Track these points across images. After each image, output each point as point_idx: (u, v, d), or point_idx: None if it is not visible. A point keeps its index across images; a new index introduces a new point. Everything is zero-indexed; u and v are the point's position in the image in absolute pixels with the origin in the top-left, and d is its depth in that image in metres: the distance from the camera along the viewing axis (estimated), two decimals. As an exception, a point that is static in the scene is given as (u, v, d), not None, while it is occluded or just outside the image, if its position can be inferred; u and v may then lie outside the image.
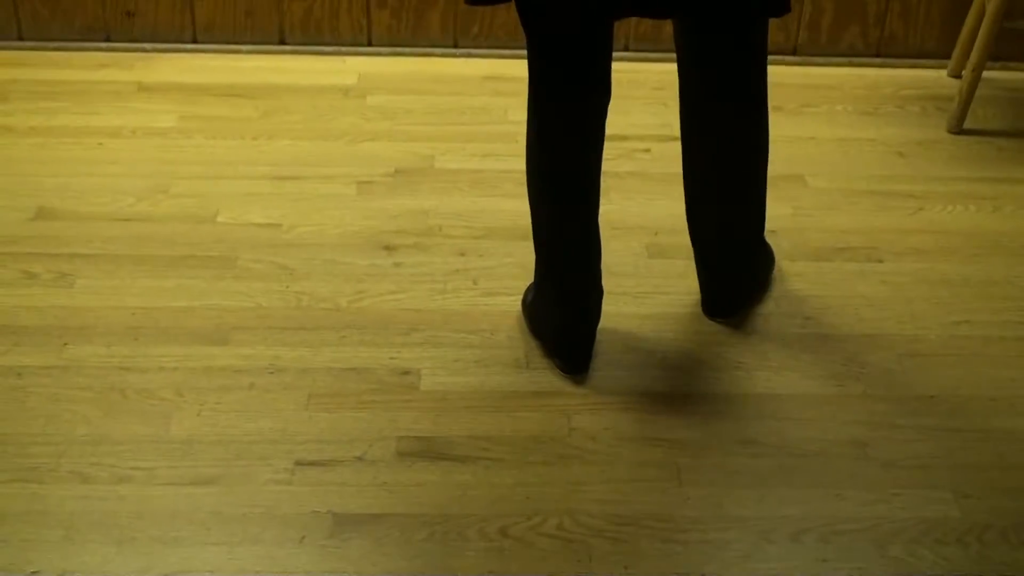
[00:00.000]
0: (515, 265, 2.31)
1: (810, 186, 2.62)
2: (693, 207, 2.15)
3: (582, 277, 2.05)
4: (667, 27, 3.09)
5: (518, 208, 2.46)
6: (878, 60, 3.13)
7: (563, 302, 2.06)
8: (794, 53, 3.13)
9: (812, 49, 3.13)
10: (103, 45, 3.07)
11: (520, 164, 2.63)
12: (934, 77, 3.07)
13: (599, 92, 1.96)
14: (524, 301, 2.17)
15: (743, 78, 2.02)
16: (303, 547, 1.74)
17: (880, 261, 2.38)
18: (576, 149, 1.98)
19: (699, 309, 2.23)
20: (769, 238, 2.43)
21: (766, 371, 2.10)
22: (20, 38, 3.06)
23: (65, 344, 2.10)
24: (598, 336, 2.13)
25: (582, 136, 1.97)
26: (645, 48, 3.11)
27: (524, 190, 2.55)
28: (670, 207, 2.52)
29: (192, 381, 2.03)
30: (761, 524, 1.80)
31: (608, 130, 2.79)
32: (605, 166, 2.66)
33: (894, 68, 3.11)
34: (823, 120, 2.89)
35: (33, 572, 1.69)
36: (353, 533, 1.77)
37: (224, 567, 1.71)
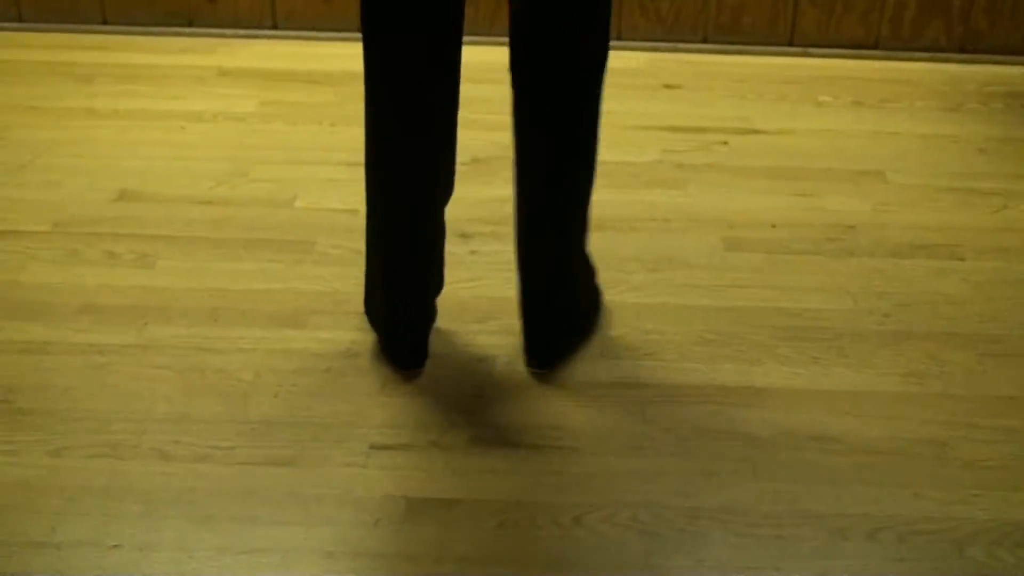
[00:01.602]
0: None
1: (891, 182, 2.59)
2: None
3: (411, 269, 1.97)
4: (745, 17, 3.07)
5: (597, 199, 2.45)
6: (961, 56, 3.08)
7: (390, 294, 1.99)
8: (876, 47, 3.09)
9: (894, 43, 3.09)
10: (185, 30, 3.11)
11: (603, 154, 2.62)
12: (1019, 74, 3.03)
13: (435, 26, 1.78)
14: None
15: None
16: (377, 530, 1.75)
17: (961, 259, 2.35)
18: (405, 108, 1.82)
19: (775, 303, 2.21)
20: (849, 233, 2.41)
21: (843, 367, 2.08)
22: (104, 22, 3.10)
23: (145, 324, 2.13)
24: (673, 328, 2.12)
25: (412, 86, 1.80)
26: (724, 40, 3.09)
27: (600, 180, 2.54)
28: (747, 200, 2.51)
29: (270, 363, 2.05)
30: (837, 521, 1.79)
31: (685, 122, 2.81)
32: (681, 158, 2.66)
33: (978, 64, 3.06)
34: (904, 116, 2.85)
35: (113, 545, 1.71)
36: (426, 517, 1.78)
37: (299, 547, 1.72)
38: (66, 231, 2.36)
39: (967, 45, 3.08)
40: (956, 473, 1.87)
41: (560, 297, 2.03)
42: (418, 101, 1.87)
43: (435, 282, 2.05)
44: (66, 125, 2.71)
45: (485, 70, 2.92)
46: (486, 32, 2.97)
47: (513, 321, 2.14)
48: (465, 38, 1.90)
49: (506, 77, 1.97)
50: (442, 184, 1.97)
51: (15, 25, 3.09)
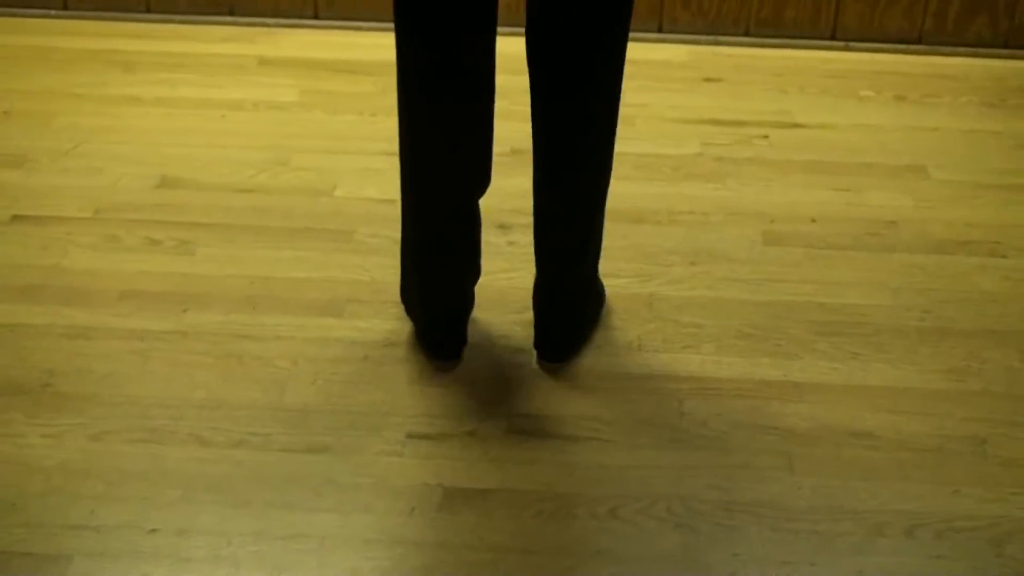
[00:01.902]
0: (629, 247, 2.31)
1: (932, 177, 2.57)
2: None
3: (446, 260, 1.99)
4: (787, 11, 3.06)
5: (634, 190, 2.45)
6: (1006, 51, 3.05)
7: (427, 289, 2.01)
8: (919, 42, 3.07)
9: (937, 38, 3.06)
10: (227, 19, 3.12)
11: (637, 147, 2.62)
12: (1064, 70, 3.00)
13: (475, 88, 1.84)
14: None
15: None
16: (413, 518, 1.76)
17: (1004, 256, 2.33)
18: (446, 153, 1.89)
19: (814, 298, 2.20)
20: (889, 229, 2.39)
21: (882, 363, 2.06)
22: (148, 10, 3.12)
23: (185, 310, 2.14)
24: (711, 322, 2.12)
25: (453, 139, 1.88)
26: (765, 33, 3.08)
27: (640, 173, 2.54)
28: (787, 194, 2.49)
29: (307, 351, 2.06)
30: (874, 517, 1.78)
31: (726, 115, 2.79)
32: (721, 151, 2.65)
33: (1023, 59, 3.03)
34: (947, 111, 2.83)
35: (152, 529, 1.73)
36: (462, 507, 1.78)
37: (336, 534, 1.73)
38: (108, 217, 2.37)
39: (1012, 40, 3.05)
40: (995, 471, 1.86)
41: (569, 295, 2.03)
42: (451, 93, 1.87)
43: (471, 272, 2.05)
44: (109, 112, 2.73)
45: (524, 60, 2.91)
46: (508, 23, 2.96)
47: (551, 312, 2.14)
48: (503, 28, 1.90)
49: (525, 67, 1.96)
50: (477, 175, 1.97)
51: (60, 13, 3.12)
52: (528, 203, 2.40)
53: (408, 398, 1.97)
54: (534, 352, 2.05)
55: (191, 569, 1.67)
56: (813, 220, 2.43)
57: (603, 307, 2.15)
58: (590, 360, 2.05)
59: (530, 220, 2.38)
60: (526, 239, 2.33)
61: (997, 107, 2.84)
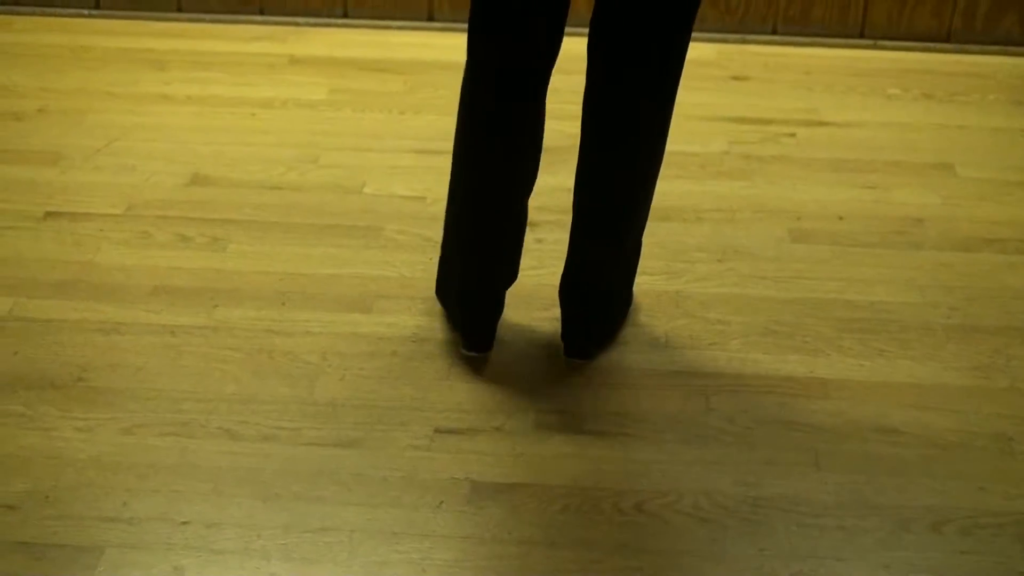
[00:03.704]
0: (656, 245, 2.31)
1: (960, 175, 2.57)
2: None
3: (489, 260, 2.01)
4: (815, 9, 3.06)
5: (661, 188, 2.44)
6: (1035, 49, 3.05)
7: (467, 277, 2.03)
8: (947, 40, 3.06)
9: (966, 36, 3.06)
10: (257, 18, 3.15)
11: (670, 145, 2.62)
12: (1094, 68, 2.99)
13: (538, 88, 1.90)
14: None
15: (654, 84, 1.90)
16: (441, 512, 1.77)
17: (1031, 254, 2.33)
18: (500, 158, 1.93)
19: (841, 295, 2.21)
20: (916, 226, 2.39)
21: (909, 360, 2.07)
22: (179, 10, 3.15)
23: (216, 306, 2.17)
24: (738, 318, 2.12)
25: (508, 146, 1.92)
26: (793, 32, 3.08)
27: (668, 170, 2.54)
28: (814, 192, 2.50)
29: (336, 346, 2.08)
30: (900, 513, 1.78)
31: (753, 113, 2.80)
32: (748, 149, 2.66)
33: (1052, 58, 3.03)
34: (975, 109, 2.82)
35: (183, 522, 1.75)
36: (489, 501, 1.80)
37: (364, 527, 1.75)
38: (139, 214, 2.40)
39: (1041, 38, 3.04)
40: (1021, 467, 1.86)
41: (597, 290, 2.04)
42: (519, 94, 1.91)
43: (511, 274, 2.06)
44: (140, 110, 2.76)
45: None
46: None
47: (578, 309, 2.15)
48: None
49: (575, 67, 1.98)
50: (531, 175, 1.99)
51: (93, 12, 3.15)
52: (556, 201, 2.42)
53: (436, 393, 1.98)
54: (561, 348, 2.06)
55: (221, 561, 1.69)
56: (840, 218, 2.43)
57: (630, 305, 2.15)
58: (617, 356, 2.06)
59: (558, 218, 2.40)
60: (553, 236, 2.35)
61: (1026, 105, 2.84)
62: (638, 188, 1.98)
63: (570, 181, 2.50)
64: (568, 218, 2.37)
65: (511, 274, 2.06)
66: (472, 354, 2.04)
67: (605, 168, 1.95)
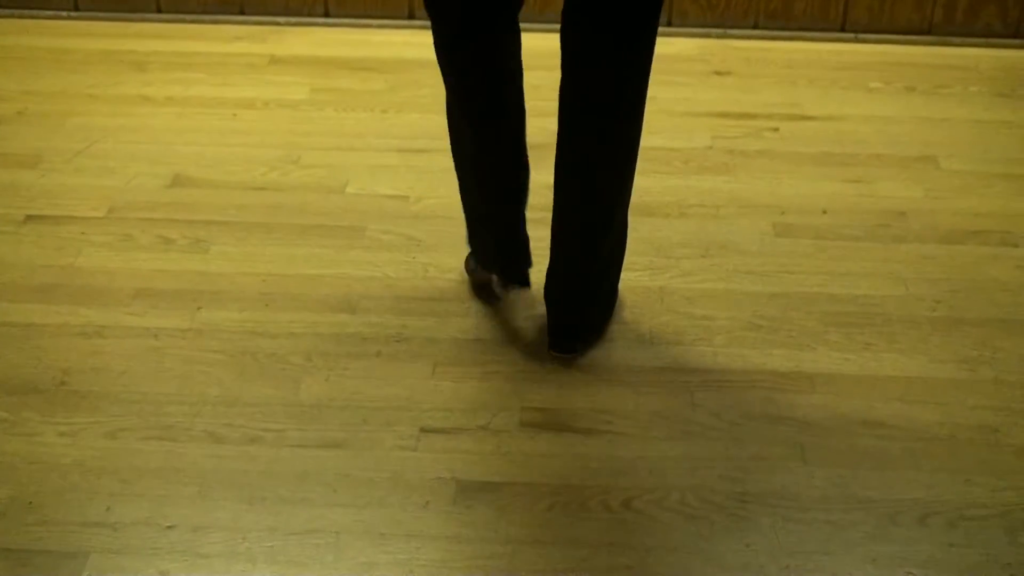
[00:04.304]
0: (640, 240, 2.31)
1: (943, 168, 2.57)
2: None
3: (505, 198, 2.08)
4: (796, 3, 3.06)
5: (644, 183, 2.46)
6: (1016, 41, 3.05)
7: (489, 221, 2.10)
8: (929, 32, 3.07)
9: (947, 28, 3.06)
10: (237, 18, 3.14)
11: (648, 140, 2.61)
12: (1075, 59, 2.99)
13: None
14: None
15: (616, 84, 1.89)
16: (427, 512, 1.77)
17: (1015, 245, 2.33)
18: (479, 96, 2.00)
19: (825, 289, 2.21)
20: (900, 219, 2.39)
21: (894, 353, 2.07)
22: (159, 10, 3.14)
23: (199, 308, 2.15)
24: (723, 313, 2.12)
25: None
26: (774, 26, 3.08)
27: (656, 166, 2.55)
28: (798, 186, 2.50)
29: (321, 347, 2.07)
30: (887, 506, 1.78)
31: (735, 108, 2.80)
32: (731, 144, 2.65)
33: (1033, 49, 3.04)
34: (957, 101, 2.83)
35: (168, 526, 1.74)
36: (476, 500, 1.79)
37: (351, 529, 1.74)
38: (121, 216, 2.39)
39: (1021, 30, 3.05)
40: (1007, 459, 1.86)
41: (580, 284, 2.03)
42: (479, 32, 1.97)
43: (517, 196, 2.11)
44: (121, 112, 2.75)
45: (534, 56, 2.92)
46: (535, 19, 2.97)
47: (562, 306, 2.14)
48: (520, 25, 1.93)
49: (553, 63, 1.97)
50: (508, 103, 2.04)
51: (72, 14, 3.14)
52: (541, 199, 2.41)
53: (421, 393, 1.98)
54: (546, 345, 2.06)
55: (207, 565, 1.69)
56: (824, 211, 2.43)
57: (616, 300, 2.15)
58: (602, 353, 2.06)
59: (544, 216, 2.39)
60: (536, 234, 2.34)
61: (1007, 97, 2.84)
62: (615, 175, 1.97)
63: (552, 177, 2.50)
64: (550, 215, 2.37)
65: (519, 198, 2.11)
66: (514, 288, 2.13)
67: (581, 154, 1.95)
